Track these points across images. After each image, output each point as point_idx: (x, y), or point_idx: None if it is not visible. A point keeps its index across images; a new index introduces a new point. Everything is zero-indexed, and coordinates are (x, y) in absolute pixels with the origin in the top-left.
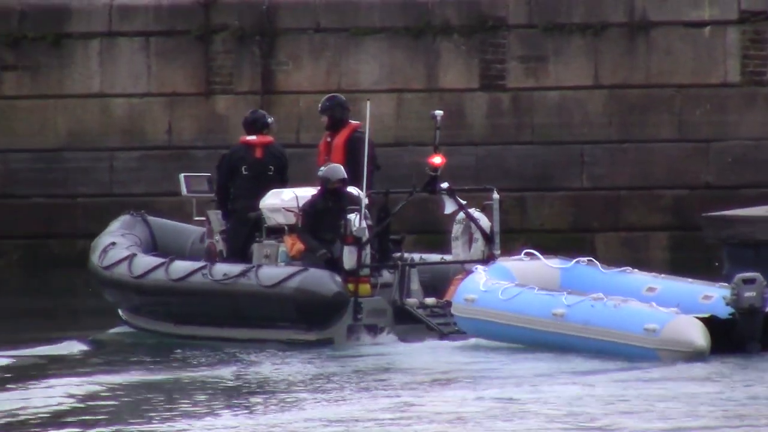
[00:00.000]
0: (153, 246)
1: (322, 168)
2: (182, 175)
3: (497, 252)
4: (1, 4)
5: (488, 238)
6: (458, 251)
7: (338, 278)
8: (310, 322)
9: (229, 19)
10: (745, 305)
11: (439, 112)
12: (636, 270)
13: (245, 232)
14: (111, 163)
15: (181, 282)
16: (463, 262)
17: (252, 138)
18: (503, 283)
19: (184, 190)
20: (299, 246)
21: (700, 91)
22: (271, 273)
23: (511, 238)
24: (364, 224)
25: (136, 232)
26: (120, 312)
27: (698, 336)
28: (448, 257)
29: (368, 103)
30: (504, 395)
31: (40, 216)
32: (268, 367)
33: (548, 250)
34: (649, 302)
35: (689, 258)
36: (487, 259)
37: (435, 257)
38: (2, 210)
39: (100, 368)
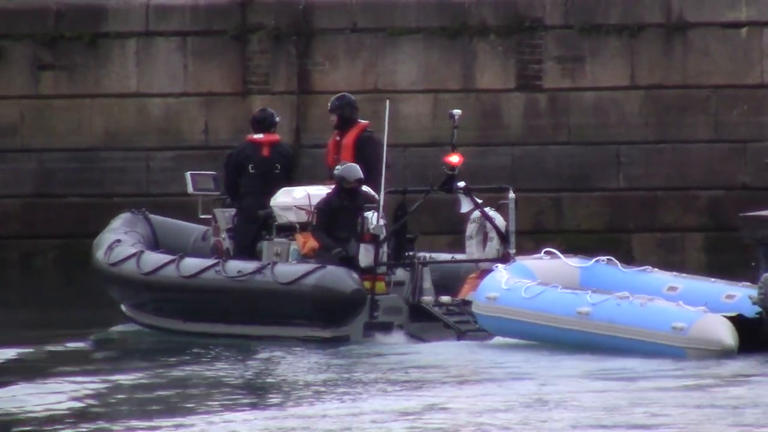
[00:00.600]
0: (155, 244)
1: (337, 167)
2: (188, 173)
3: (512, 251)
4: (37, 3)
5: (503, 237)
6: (472, 250)
7: (356, 276)
8: (327, 319)
9: (266, 18)
10: None
11: (457, 111)
12: (656, 269)
13: (253, 230)
14: (147, 162)
15: (193, 279)
16: (477, 261)
17: (259, 136)
18: (525, 281)
19: (190, 188)
20: (311, 244)
21: (736, 91)
22: (287, 270)
23: (547, 238)
24: (381, 222)
25: (138, 229)
26: (123, 308)
27: (726, 334)
28: (458, 256)
29: (387, 102)
30: (529, 392)
31: (76, 215)
32: (285, 363)
33: (584, 251)
34: (671, 301)
35: (725, 259)
36: (502, 258)
37: (446, 256)
38: (38, 209)
39: (104, 366)
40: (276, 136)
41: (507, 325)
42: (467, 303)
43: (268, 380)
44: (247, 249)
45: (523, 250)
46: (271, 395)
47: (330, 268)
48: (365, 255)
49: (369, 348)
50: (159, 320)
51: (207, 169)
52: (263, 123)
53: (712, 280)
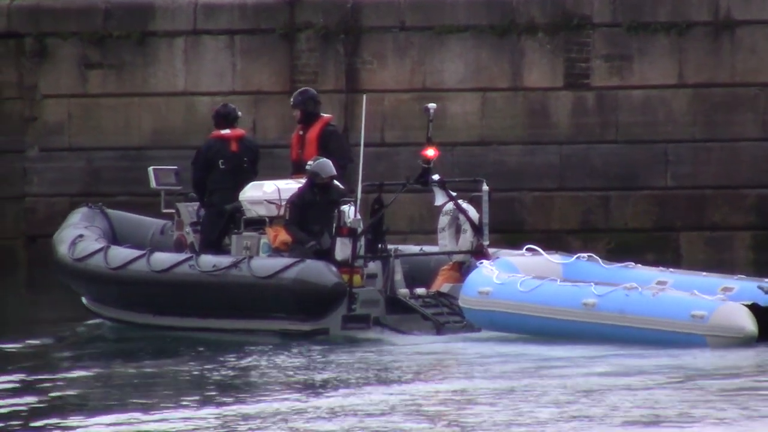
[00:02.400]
0: (113, 238)
1: (310, 162)
2: (151, 168)
3: (486, 243)
4: (86, 2)
5: (477, 229)
6: (445, 242)
7: (335, 269)
8: (307, 312)
9: (314, 17)
10: None
11: (432, 105)
12: (639, 265)
13: (221, 224)
14: None
15: (165, 273)
16: (451, 253)
17: (227, 132)
18: (519, 275)
19: (153, 183)
20: (282, 237)
21: None
22: (265, 264)
23: (596, 237)
24: (359, 216)
25: (97, 224)
26: (85, 303)
27: (748, 322)
28: (426, 248)
29: (364, 97)
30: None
31: None
32: (267, 356)
33: (632, 250)
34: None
35: None
36: (476, 250)
37: (414, 248)
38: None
39: (70, 361)
40: (241, 131)
41: (502, 319)
42: (443, 295)
43: (244, 374)
44: (213, 243)
45: (502, 244)
46: (246, 390)
47: (309, 262)
48: (341, 248)
49: (350, 340)
50: (127, 314)
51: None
52: (228, 118)
53: (704, 273)
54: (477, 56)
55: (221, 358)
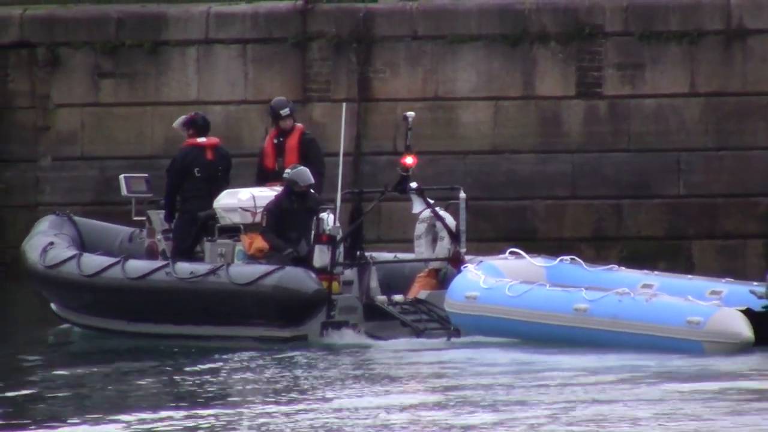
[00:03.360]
0: (81, 246)
1: (287, 170)
2: (122, 176)
3: (463, 250)
4: (98, 12)
5: (454, 236)
6: (422, 249)
7: (314, 276)
8: (287, 319)
9: (326, 26)
10: None
11: (410, 114)
12: (622, 268)
13: (194, 232)
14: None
15: (141, 280)
16: (428, 260)
17: (202, 140)
18: (507, 280)
19: (124, 190)
20: (258, 244)
21: None
22: (244, 271)
23: (608, 245)
24: (338, 223)
25: (65, 231)
26: (55, 309)
27: (744, 327)
28: (401, 255)
29: (344, 105)
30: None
31: (137, 223)
32: (244, 363)
33: (645, 258)
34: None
35: None
36: (453, 257)
37: (388, 255)
38: (99, 216)
39: (37, 369)
40: (216, 139)
41: (490, 324)
42: (420, 301)
43: (220, 380)
44: (185, 250)
45: (493, 251)
46: (222, 397)
47: (289, 269)
48: (320, 255)
49: (331, 347)
50: (100, 321)
51: None
52: (204, 127)
53: (689, 277)
54: (489, 65)
55: (196, 365)
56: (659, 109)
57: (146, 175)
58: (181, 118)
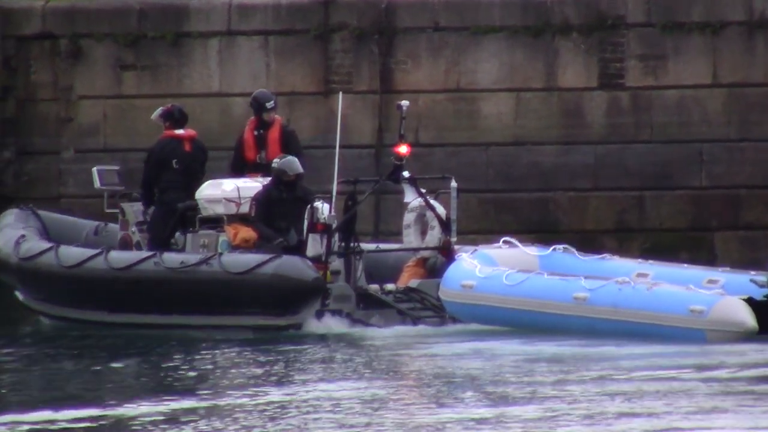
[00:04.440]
0: (47, 239)
1: (276, 160)
2: (95, 168)
3: (454, 239)
4: (120, 3)
5: (445, 225)
6: (411, 239)
7: (311, 264)
8: (285, 307)
9: (348, 17)
10: None
11: (405, 103)
12: (615, 257)
13: (172, 223)
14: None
15: (127, 271)
16: (419, 249)
17: (181, 132)
18: (503, 268)
19: (97, 183)
20: (243, 235)
21: None
22: (238, 260)
23: (630, 237)
24: (333, 212)
25: (31, 224)
26: (23, 300)
27: (747, 316)
28: (383, 245)
29: (340, 94)
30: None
31: None
32: (237, 352)
33: (667, 250)
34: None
35: None
36: (443, 247)
37: (371, 246)
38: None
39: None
40: (193, 132)
41: (488, 313)
42: (413, 290)
43: (213, 370)
44: (163, 242)
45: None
46: (221, 385)
47: (285, 257)
48: (313, 244)
49: (330, 335)
50: (76, 312)
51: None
52: (181, 119)
53: (685, 265)
54: (511, 56)
55: (179, 355)
56: (681, 100)
57: (118, 167)
58: (159, 110)
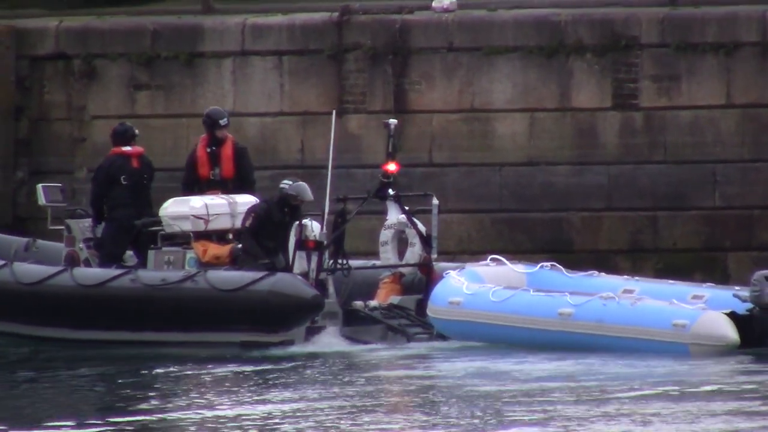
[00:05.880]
0: None
1: (287, 182)
2: (40, 185)
3: (434, 256)
4: (134, 23)
5: (426, 242)
6: (388, 256)
7: (307, 282)
8: (281, 324)
9: (362, 38)
10: (767, 301)
11: (392, 121)
12: (603, 273)
13: (127, 240)
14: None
15: (99, 288)
16: (402, 266)
17: (128, 149)
18: (489, 285)
19: (42, 199)
20: (213, 252)
21: None
22: (228, 277)
23: (644, 257)
24: (324, 230)
25: None
26: None
27: (730, 330)
28: (355, 262)
29: (333, 112)
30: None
31: None
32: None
33: (681, 270)
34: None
35: None
36: (423, 263)
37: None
38: None
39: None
40: (140, 149)
41: (475, 329)
42: (397, 307)
43: (205, 383)
44: (116, 259)
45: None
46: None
47: (280, 275)
48: (300, 262)
49: (329, 352)
50: (34, 329)
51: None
52: (126, 135)
53: (670, 281)
54: (525, 77)
55: (155, 371)
56: (695, 120)
57: (61, 184)
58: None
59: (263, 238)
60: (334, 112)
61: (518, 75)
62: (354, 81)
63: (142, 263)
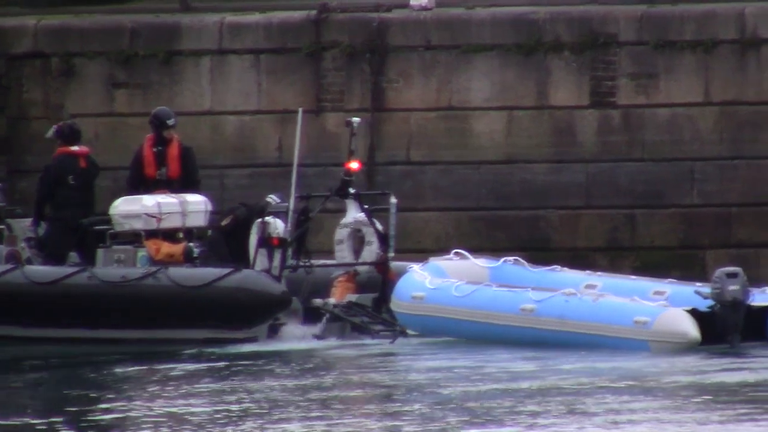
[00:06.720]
0: None
1: (274, 198)
2: None
3: (391, 254)
4: (112, 22)
5: (384, 240)
6: (344, 254)
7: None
8: (247, 320)
9: (340, 36)
10: (728, 298)
11: (355, 119)
12: (565, 268)
13: (73, 240)
14: (222, 180)
15: (53, 285)
16: (359, 264)
17: (76, 148)
18: (453, 280)
19: None
20: (166, 250)
21: None
22: (192, 274)
23: (622, 255)
24: (288, 227)
25: None
26: None
27: (690, 327)
28: (319, 261)
29: (300, 110)
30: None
31: None
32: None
33: (659, 267)
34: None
35: None
36: (379, 262)
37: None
38: None
39: None
40: (86, 148)
41: (437, 324)
42: (356, 304)
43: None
44: (60, 258)
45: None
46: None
47: (246, 271)
48: (261, 260)
49: (295, 348)
50: None
51: (281, 187)
52: (73, 135)
53: (632, 277)
54: (503, 75)
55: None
56: (673, 118)
57: (2, 184)
58: (53, 128)
59: (232, 240)
60: (300, 110)
61: (496, 73)
62: (332, 79)
63: (87, 262)
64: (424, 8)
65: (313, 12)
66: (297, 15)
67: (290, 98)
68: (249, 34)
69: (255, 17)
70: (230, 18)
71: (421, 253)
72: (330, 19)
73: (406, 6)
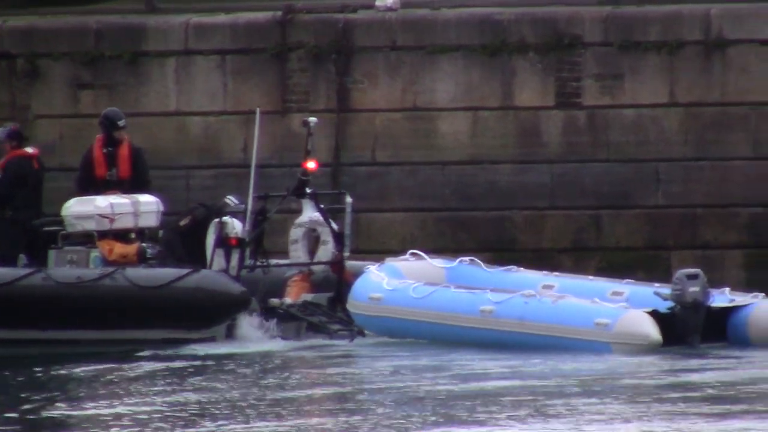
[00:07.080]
0: None
1: (233, 199)
2: None
3: (347, 254)
4: (78, 23)
5: (339, 240)
6: (298, 254)
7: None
8: (206, 321)
9: (306, 37)
10: (689, 300)
11: (312, 119)
12: (522, 269)
13: (25, 241)
14: (187, 181)
15: (7, 287)
16: (314, 264)
17: (30, 150)
18: (410, 281)
19: None
20: (120, 250)
21: None
22: (150, 274)
23: (587, 256)
24: (246, 227)
25: None
26: None
27: (652, 329)
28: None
29: (258, 110)
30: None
31: None
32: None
33: (624, 268)
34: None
35: (766, 276)
36: (335, 261)
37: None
38: None
39: None
40: (36, 150)
41: (395, 325)
42: (313, 304)
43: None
44: (10, 260)
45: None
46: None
47: (205, 271)
48: (218, 260)
49: (256, 348)
50: None
51: (247, 188)
52: (23, 137)
53: (590, 277)
54: (468, 76)
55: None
56: (638, 119)
57: None
58: (5, 131)
59: (189, 240)
60: (258, 109)
61: (461, 74)
62: (297, 80)
63: (37, 264)
64: (390, 9)
65: (279, 13)
66: (262, 16)
67: (256, 99)
68: (215, 34)
69: (221, 18)
70: (196, 19)
71: (387, 253)
72: (296, 20)
73: (371, 7)
